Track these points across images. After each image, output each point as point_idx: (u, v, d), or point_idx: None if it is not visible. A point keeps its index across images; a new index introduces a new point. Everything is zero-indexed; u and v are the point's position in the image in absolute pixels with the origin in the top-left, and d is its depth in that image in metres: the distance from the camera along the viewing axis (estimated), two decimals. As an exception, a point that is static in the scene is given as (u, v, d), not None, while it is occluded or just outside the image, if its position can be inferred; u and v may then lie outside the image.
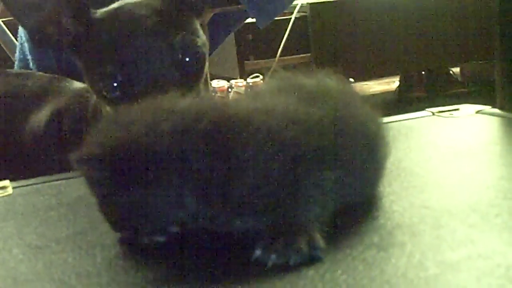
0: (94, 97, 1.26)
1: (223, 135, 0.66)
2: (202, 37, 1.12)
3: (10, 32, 2.23)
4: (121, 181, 0.67)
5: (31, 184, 1.02)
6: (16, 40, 2.10)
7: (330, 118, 0.70)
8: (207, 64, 1.13)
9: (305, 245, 0.63)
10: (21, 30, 1.97)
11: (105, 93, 1.06)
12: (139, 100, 1.00)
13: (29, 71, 1.56)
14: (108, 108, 1.15)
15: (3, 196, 0.97)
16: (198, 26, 1.14)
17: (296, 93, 0.73)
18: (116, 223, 0.72)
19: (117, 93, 1.04)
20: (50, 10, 1.13)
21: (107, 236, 0.75)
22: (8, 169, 1.39)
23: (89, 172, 0.70)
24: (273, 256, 0.62)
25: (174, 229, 0.70)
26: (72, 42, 1.12)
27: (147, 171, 0.66)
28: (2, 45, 2.25)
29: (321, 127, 0.69)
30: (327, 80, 0.78)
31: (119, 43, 1.05)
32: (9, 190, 0.99)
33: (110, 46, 1.06)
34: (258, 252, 0.63)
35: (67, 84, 1.42)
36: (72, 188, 0.97)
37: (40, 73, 1.52)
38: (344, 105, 0.74)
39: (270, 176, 0.66)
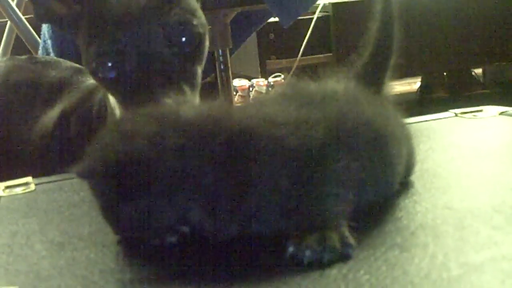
0: (100, 95, 1.26)
1: (233, 150, 0.66)
2: (200, 17, 1.10)
3: (33, 30, 2.24)
4: (122, 196, 0.67)
5: (53, 181, 1.02)
6: (39, 37, 2.11)
7: (335, 117, 0.71)
8: (206, 44, 1.11)
9: (337, 242, 0.63)
10: (44, 28, 1.98)
11: (100, 75, 1.05)
12: (133, 80, 0.99)
13: (57, 59, 1.55)
14: (112, 105, 1.15)
15: (25, 193, 0.97)
16: (197, 5, 1.12)
17: (298, 99, 0.73)
18: (118, 232, 0.72)
19: (112, 73, 1.04)
20: None
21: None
22: (17, 165, 1.39)
23: (91, 185, 0.71)
24: (308, 253, 0.62)
25: (186, 229, 0.70)
26: (71, 20, 1.12)
27: (150, 187, 0.66)
28: (26, 43, 2.26)
29: (325, 126, 0.69)
30: (333, 84, 0.78)
31: (113, 22, 1.04)
32: (32, 187, 0.99)
33: (104, 25, 1.05)
34: (291, 249, 0.63)
35: (85, 78, 1.42)
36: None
37: (68, 63, 1.52)
38: (350, 106, 0.73)
39: (284, 184, 0.66)
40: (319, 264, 0.62)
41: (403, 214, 0.73)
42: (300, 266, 0.62)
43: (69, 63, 1.51)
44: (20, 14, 2.28)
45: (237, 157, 0.66)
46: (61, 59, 1.54)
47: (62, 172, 1.09)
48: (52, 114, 1.36)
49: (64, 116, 1.34)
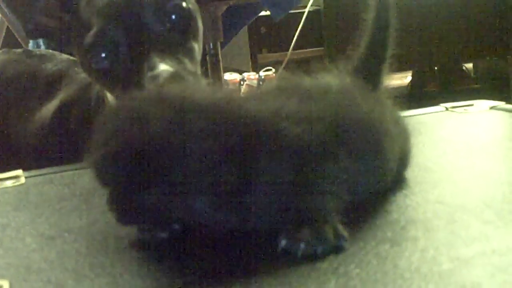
0: (98, 86, 1.26)
1: (246, 143, 0.65)
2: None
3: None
4: (141, 183, 0.64)
5: (44, 174, 1.02)
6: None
7: (332, 114, 0.70)
8: (199, 23, 1.11)
9: (331, 235, 0.63)
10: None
11: (93, 66, 1.06)
12: (128, 67, 0.99)
13: (53, 52, 1.55)
14: (110, 96, 1.15)
15: (15, 186, 0.97)
16: None
17: (297, 94, 0.72)
18: (127, 222, 0.69)
19: (105, 63, 1.04)
20: (42, 4, 1.12)
21: (120, 226, 0.75)
22: (16, 156, 1.39)
23: (104, 173, 0.67)
24: (302, 245, 0.62)
25: (177, 226, 0.70)
26: (63, 31, 1.13)
27: (171, 173, 0.64)
28: (16, 35, 2.26)
29: (324, 123, 0.69)
30: (328, 79, 0.77)
31: (102, 13, 1.05)
32: (22, 180, 0.99)
33: (92, 19, 1.06)
34: (284, 242, 0.63)
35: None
36: (85, 178, 0.97)
37: (64, 55, 1.52)
38: (346, 101, 0.73)
39: (286, 177, 0.66)
40: (311, 257, 0.62)
41: (394, 208, 0.73)
42: (293, 259, 0.62)
43: (64, 56, 1.51)
44: (10, 6, 2.27)
45: (247, 149, 0.65)
46: (56, 52, 1.53)
47: (61, 164, 1.10)
48: (51, 106, 1.36)
49: (62, 108, 1.34)
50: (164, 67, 0.96)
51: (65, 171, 1.02)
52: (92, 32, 1.04)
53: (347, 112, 0.72)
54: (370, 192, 0.73)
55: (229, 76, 3.70)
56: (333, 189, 0.67)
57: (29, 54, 1.54)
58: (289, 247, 0.63)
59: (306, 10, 3.20)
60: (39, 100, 1.40)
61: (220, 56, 1.99)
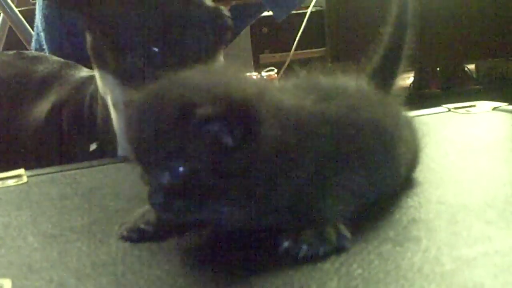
0: (92, 86, 1.25)
1: None
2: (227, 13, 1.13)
3: (26, 21, 2.24)
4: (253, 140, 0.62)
5: (46, 173, 1.02)
6: (32, 29, 2.10)
7: (348, 116, 0.70)
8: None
9: (333, 235, 0.63)
10: (37, 20, 1.98)
11: (122, 62, 1.07)
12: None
13: (44, 54, 1.55)
14: (102, 94, 1.15)
15: (18, 185, 0.97)
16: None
17: (314, 93, 0.71)
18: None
19: (135, 65, 1.05)
20: None
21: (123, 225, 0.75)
22: (11, 157, 1.39)
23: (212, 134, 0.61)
24: (304, 247, 0.62)
25: (148, 228, 0.71)
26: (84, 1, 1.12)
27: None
28: (19, 35, 2.26)
29: (338, 125, 0.69)
30: (344, 79, 0.77)
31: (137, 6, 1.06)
32: (24, 179, 0.99)
33: (127, 8, 1.06)
34: (286, 244, 0.63)
35: (75, 72, 1.42)
36: (87, 177, 0.97)
37: (55, 58, 1.52)
38: (361, 103, 0.73)
39: (302, 177, 0.66)
40: (313, 258, 0.62)
41: (396, 209, 0.73)
42: (295, 259, 0.62)
43: (56, 58, 1.52)
44: (13, 6, 2.27)
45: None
46: (47, 54, 1.54)
47: (56, 164, 1.09)
48: (43, 107, 1.36)
49: (55, 109, 1.34)
50: None
51: (67, 170, 1.02)
52: (131, 32, 1.05)
53: (362, 115, 0.71)
54: (380, 195, 0.73)
55: (231, 77, 3.68)
56: (342, 192, 0.67)
57: (20, 56, 1.54)
58: (291, 249, 0.63)
59: (309, 10, 3.19)
60: (32, 102, 1.40)
61: (222, 56, 1.99)
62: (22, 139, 1.38)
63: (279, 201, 0.65)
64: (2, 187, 0.96)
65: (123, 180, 0.94)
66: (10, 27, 2.33)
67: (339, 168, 0.67)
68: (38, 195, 0.91)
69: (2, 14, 2.33)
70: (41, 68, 1.46)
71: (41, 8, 1.90)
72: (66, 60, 1.48)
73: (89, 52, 1.19)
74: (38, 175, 1.01)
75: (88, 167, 1.01)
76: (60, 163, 1.16)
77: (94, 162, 1.04)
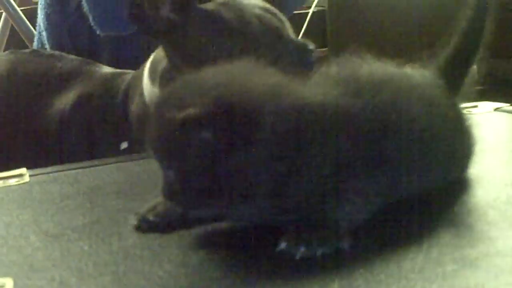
0: (126, 82, 1.25)
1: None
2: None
3: (28, 21, 2.24)
4: (233, 143, 0.62)
5: (48, 173, 1.02)
6: (35, 29, 2.10)
7: (375, 115, 0.68)
8: None
9: (332, 237, 0.63)
10: (39, 19, 1.98)
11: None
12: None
13: (61, 53, 1.54)
14: (146, 93, 1.15)
15: (19, 184, 0.97)
16: None
17: (344, 85, 0.70)
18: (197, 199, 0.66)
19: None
20: None
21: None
22: (31, 152, 1.38)
23: (193, 136, 0.63)
24: (302, 248, 0.62)
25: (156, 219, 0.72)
26: (166, 29, 1.10)
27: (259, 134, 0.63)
28: (21, 34, 2.26)
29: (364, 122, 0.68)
30: (390, 69, 0.75)
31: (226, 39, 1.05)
32: (26, 178, 0.99)
33: (215, 41, 1.06)
34: (283, 245, 0.63)
35: (97, 68, 1.41)
36: (89, 176, 0.97)
37: (72, 56, 1.51)
38: (397, 99, 0.71)
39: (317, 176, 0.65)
40: (312, 259, 0.62)
41: (398, 209, 0.72)
42: (295, 261, 0.62)
43: (73, 56, 1.50)
44: (15, 5, 2.27)
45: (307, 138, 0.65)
46: (63, 53, 1.53)
47: (82, 156, 1.10)
48: (67, 99, 1.35)
49: (81, 101, 1.33)
50: None
51: (69, 169, 1.02)
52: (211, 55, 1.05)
53: (392, 112, 0.69)
54: (414, 193, 0.72)
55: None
56: (354, 198, 0.66)
57: (37, 54, 1.54)
58: (289, 250, 0.63)
59: (311, 10, 3.19)
60: (54, 95, 1.39)
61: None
62: (45, 132, 1.37)
63: (283, 201, 0.65)
64: (4, 186, 0.96)
65: (125, 180, 0.94)
66: (12, 26, 2.33)
67: (353, 172, 0.66)
68: (40, 194, 0.91)
69: (4, 13, 2.33)
70: (60, 65, 1.45)
71: (43, 7, 1.90)
72: (84, 58, 1.48)
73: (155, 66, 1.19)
74: (40, 174, 1.01)
75: (90, 167, 1.01)
76: (86, 157, 1.16)
77: (96, 162, 1.04)
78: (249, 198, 0.64)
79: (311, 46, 1.10)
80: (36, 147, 1.39)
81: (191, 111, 0.61)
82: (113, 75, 1.32)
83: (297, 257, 0.62)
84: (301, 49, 1.09)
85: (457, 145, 0.76)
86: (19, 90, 1.46)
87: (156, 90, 1.16)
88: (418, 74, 0.77)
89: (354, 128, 0.67)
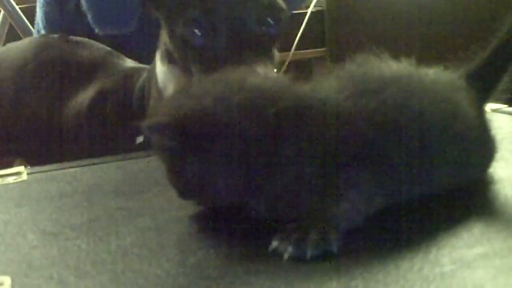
0: (143, 78, 1.25)
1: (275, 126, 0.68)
2: (282, 2, 1.12)
3: (27, 19, 2.23)
4: (187, 150, 0.69)
5: (45, 171, 1.02)
6: (33, 27, 2.10)
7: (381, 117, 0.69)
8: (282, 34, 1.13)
9: (319, 239, 0.63)
10: (38, 18, 1.98)
11: (187, 39, 1.06)
12: (221, 52, 1.00)
13: (88, 40, 1.53)
14: (161, 86, 1.15)
15: (17, 182, 0.97)
16: None
17: (355, 85, 0.71)
18: (182, 191, 0.73)
19: (200, 42, 1.05)
20: None
21: (122, 223, 0.75)
22: (49, 145, 1.38)
23: (158, 139, 0.72)
24: (290, 248, 0.62)
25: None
26: None
27: (212, 143, 0.68)
28: (19, 32, 2.26)
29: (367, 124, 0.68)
30: (407, 70, 0.75)
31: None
32: (24, 176, 0.99)
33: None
34: (275, 244, 0.63)
35: (120, 61, 1.41)
36: (87, 175, 0.97)
37: (99, 44, 1.50)
38: (406, 101, 0.71)
39: (308, 170, 0.67)
40: (301, 259, 0.62)
41: (395, 209, 0.72)
42: (290, 260, 0.62)
43: (101, 45, 1.49)
44: (13, 3, 2.27)
45: (276, 134, 0.67)
46: (92, 40, 1.52)
47: (94, 152, 1.10)
48: (87, 94, 1.35)
49: (100, 96, 1.33)
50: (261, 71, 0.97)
51: (67, 168, 1.02)
52: (193, 7, 1.05)
53: (398, 115, 0.69)
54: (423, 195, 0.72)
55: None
56: (344, 197, 0.66)
57: (65, 39, 1.52)
58: (279, 249, 0.63)
59: (309, 11, 3.19)
60: (73, 87, 1.39)
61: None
62: (62, 126, 1.37)
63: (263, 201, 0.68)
64: (2, 185, 0.96)
65: (124, 178, 0.94)
66: (10, 24, 2.33)
67: (343, 172, 0.67)
68: (37, 193, 0.91)
69: (2, 11, 2.33)
70: (85, 54, 1.45)
71: (41, 6, 1.90)
72: (109, 48, 1.47)
73: (161, 46, 1.19)
74: (38, 172, 1.01)
75: (88, 165, 1.01)
76: (103, 152, 1.16)
77: (94, 160, 1.04)
78: (220, 198, 0.70)
79: (282, 5, 1.09)
80: (53, 138, 1.38)
81: (154, 119, 0.71)
82: (132, 70, 1.32)
83: (285, 257, 0.62)
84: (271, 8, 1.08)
85: (472, 148, 0.76)
86: (41, 76, 1.45)
87: (166, 68, 1.17)
88: (437, 76, 0.77)
89: (341, 125, 0.68)
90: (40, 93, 1.43)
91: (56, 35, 1.56)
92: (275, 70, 1.08)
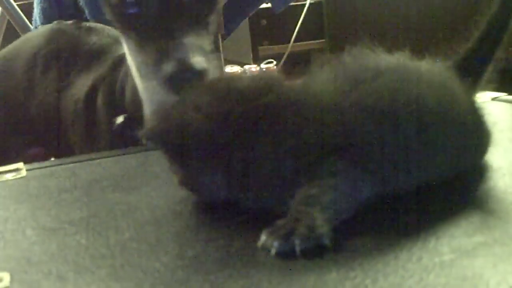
0: (125, 65, 1.24)
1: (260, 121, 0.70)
2: None
3: (25, 15, 2.23)
4: (173, 156, 0.75)
5: (44, 167, 1.02)
6: (31, 23, 2.10)
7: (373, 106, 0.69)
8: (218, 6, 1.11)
9: (308, 232, 0.62)
10: (35, 14, 1.98)
11: (121, 9, 1.04)
12: (155, 20, 1.00)
13: (101, 25, 1.52)
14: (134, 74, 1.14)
15: (16, 178, 0.97)
16: None
17: (347, 78, 0.72)
18: (180, 181, 0.77)
19: (133, 9, 1.03)
20: None
21: (121, 218, 0.75)
22: (59, 134, 1.38)
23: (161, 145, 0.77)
24: (276, 243, 0.62)
25: None
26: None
27: (191, 151, 0.72)
28: (17, 29, 2.25)
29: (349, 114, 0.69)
30: (396, 61, 0.76)
31: None
32: (23, 173, 0.98)
33: None
34: (263, 238, 0.63)
35: (120, 48, 1.40)
36: (86, 170, 0.97)
37: (112, 31, 1.48)
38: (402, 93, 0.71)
39: (288, 161, 0.68)
40: (310, 249, 0.61)
41: (395, 199, 0.72)
42: (270, 255, 0.62)
43: (113, 31, 1.48)
44: (11, 0, 2.27)
45: (259, 128, 0.69)
46: (106, 26, 1.50)
47: (89, 145, 1.09)
48: (85, 84, 1.34)
49: (94, 86, 1.32)
50: (196, 60, 0.96)
51: (66, 163, 1.02)
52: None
53: (388, 104, 0.70)
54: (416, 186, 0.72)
55: (230, 69, 3.69)
56: (338, 186, 0.66)
57: (77, 26, 1.51)
58: (265, 244, 0.63)
59: (308, 2, 3.19)
60: (77, 74, 1.38)
61: (221, 48, 1.99)
62: (65, 113, 1.36)
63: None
64: (1, 181, 0.95)
65: (122, 173, 0.94)
66: (8, 21, 2.33)
67: (327, 162, 0.67)
68: (37, 189, 0.91)
69: (0, 8, 2.33)
70: (94, 40, 1.43)
71: (39, 2, 1.90)
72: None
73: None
74: (37, 168, 1.01)
75: (87, 160, 1.01)
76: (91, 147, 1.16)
77: (93, 155, 1.04)
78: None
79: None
80: (58, 127, 1.38)
81: (146, 128, 0.78)
82: (120, 57, 1.31)
83: (272, 252, 0.62)
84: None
85: (466, 136, 0.75)
86: (50, 64, 1.44)
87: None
88: (427, 65, 0.77)
89: (325, 116, 0.69)
90: (49, 80, 1.42)
91: (70, 22, 1.55)
92: (211, 39, 1.06)
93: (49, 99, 1.40)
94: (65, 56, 1.43)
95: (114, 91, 1.25)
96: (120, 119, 1.20)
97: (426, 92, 0.72)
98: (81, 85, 1.34)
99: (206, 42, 1.04)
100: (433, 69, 0.77)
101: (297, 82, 0.74)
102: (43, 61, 1.45)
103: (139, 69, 1.10)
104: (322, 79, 0.73)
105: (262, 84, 0.74)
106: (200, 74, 0.96)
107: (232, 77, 0.80)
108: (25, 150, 1.43)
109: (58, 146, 1.35)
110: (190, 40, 0.98)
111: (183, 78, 0.95)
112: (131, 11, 1.04)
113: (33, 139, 1.45)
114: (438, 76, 0.75)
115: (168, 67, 0.97)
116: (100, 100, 1.28)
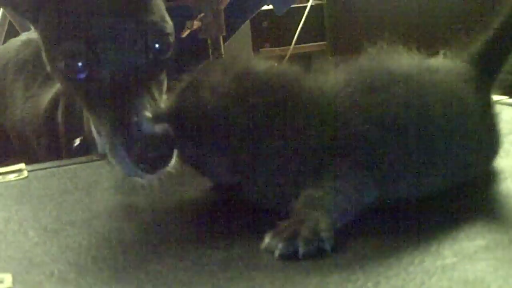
0: None
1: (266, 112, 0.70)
2: (171, 24, 1.00)
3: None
4: (183, 136, 0.75)
5: (46, 168, 1.02)
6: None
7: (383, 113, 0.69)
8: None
9: (311, 236, 0.62)
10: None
11: (69, 75, 0.94)
12: (106, 86, 0.92)
13: None
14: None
15: (18, 179, 0.97)
16: (165, 12, 1.01)
17: (356, 79, 0.72)
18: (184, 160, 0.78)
19: (82, 75, 0.92)
20: None
21: (123, 220, 0.75)
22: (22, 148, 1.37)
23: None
24: (280, 245, 0.62)
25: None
26: (30, 7, 1.01)
27: (202, 132, 0.73)
28: (18, 29, 2.25)
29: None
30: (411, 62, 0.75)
31: (85, 18, 0.93)
32: (25, 174, 0.99)
33: (74, 21, 0.94)
34: (267, 240, 0.63)
35: None
36: (88, 172, 0.97)
37: None
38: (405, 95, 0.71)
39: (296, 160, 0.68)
40: (294, 257, 0.61)
41: (396, 202, 0.72)
42: (271, 257, 0.62)
43: None
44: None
45: (270, 122, 0.69)
46: None
47: (53, 159, 1.08)
48: (47, 95, 1.32)
49: (54, 100, 1.28)
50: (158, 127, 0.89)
51: (68, 165, 1.02)
52: (73, 37, 0.93)
53: (395, 109, 0.70)
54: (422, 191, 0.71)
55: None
56: (342, 189, 0.66)
57: None
58: (269, 246, 0.63)
59: (309, 4, 3.19)
60: (40, 87, 1.36)
61: (222, 50, 1.99)
62: (27, 128, 1.35)
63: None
64: (3, 182, 0.96)
65: (124, 174, 0.94)
66: (10, 22, 2.33)
67: (331, 164, 0.68)
68: (38, 190, 0.91)
69: (2, 9, 2.33)
70: None
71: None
72: None
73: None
74: (39, 169, 1.01)
75: (88, 162, 1.01)
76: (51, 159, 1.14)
77: (95, 157, 1.04)
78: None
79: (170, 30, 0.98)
80: (21, 143, 1.37)
81: (158, 110, 0.80)
82: None
83: (276, 255, 0.62)
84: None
85: (476, 144, 0.75)
86: (15, 77, 1.44)
87: None
88: (442, 66, 0.76)
89: (334, 119, 0.69)
90: (16, 91, 1.42)
91: None
92: (164, 97, 0.97)
93: (16, 111, 1.39)
94: (30, 68, 1.42)
95: (74, 107, 1.19)
96: (77, 142, 1.15)
97: (437, 100, 0.71)
98: (43, 98, 1.32)
99: (157, 103, 0.91)
100: (448, 70, 0.76)
101: (313, 80, 0.74)
102: (12, 72, 1.45)
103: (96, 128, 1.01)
104: (339, 81, 0.73)
105: (280, 73, 0.74)
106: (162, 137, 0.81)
107: (249, 58, 0.79)
108: (1, 160, 1.41)
109: (28, 159, 1.32)
110: (144, 102, 0.87)
111: (150, 157, 0.81)
112: (80, 76, 0.93)
113: (9, 150, 1.44)
114: (451, 81, 0.74)
115: (131, 148, 0.83)
116: (60, 115, 1.24)
